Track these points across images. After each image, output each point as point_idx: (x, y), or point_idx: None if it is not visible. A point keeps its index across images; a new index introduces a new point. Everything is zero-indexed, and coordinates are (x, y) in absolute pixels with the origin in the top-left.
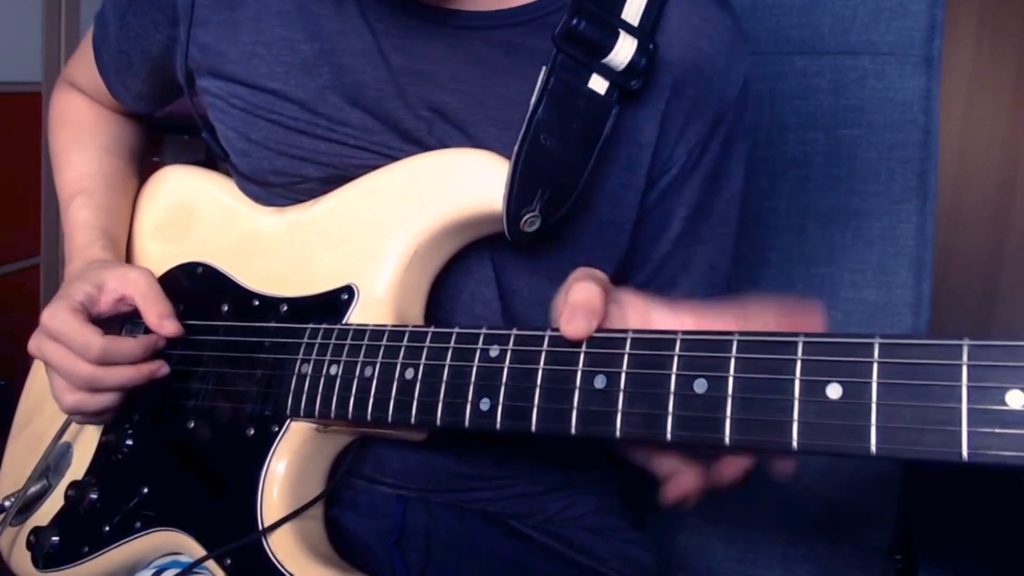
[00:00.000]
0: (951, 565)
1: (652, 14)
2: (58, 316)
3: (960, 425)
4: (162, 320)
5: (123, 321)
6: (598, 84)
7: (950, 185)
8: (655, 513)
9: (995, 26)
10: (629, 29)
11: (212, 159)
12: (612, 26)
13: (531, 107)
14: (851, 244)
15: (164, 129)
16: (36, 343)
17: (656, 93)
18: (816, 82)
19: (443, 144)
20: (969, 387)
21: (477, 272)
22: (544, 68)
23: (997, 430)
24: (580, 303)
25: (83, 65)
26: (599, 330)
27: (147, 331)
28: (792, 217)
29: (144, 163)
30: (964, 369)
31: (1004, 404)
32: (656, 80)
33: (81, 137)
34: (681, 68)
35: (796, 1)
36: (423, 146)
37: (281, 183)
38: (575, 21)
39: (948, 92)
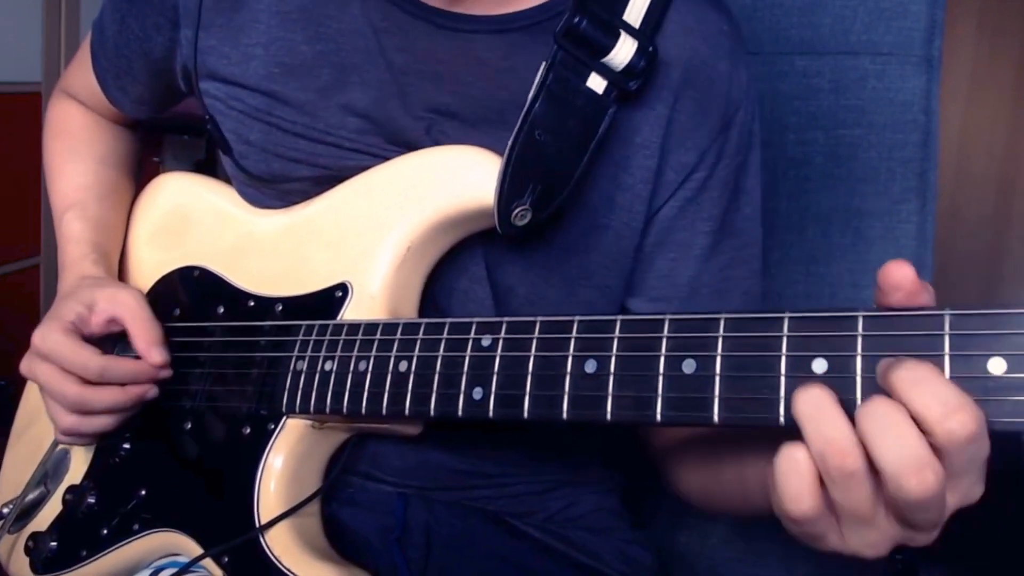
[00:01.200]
0: (951, 565)
1: (654, 17)
2: (51, 337)
3: None
4: (150, 347)
5: (114, 341)
6: (596, 83)
7: (950, 185)
8: (655, 513)
9: (995, 26)
10: (630, 30)
11: (212, 161)
12: (613, 26)
13: (528, 101)
14: (851, 244)
15: (164, 129)
16: (28, 364)
17: (655, 95)
18: (816, 82)
19: (439, 144)
20: (952, 356)
21: (470, 270)
22: (544, 64)
23: (980, 397)
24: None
25: (80, 73)
26: (589, 314)
27: None
28: (792, 217)
29: (143, 164)
30: (946, 339)
31: (986, 372)
32: (656, 82)
33: (76, 147)
34: (681, 70)
35: (796, 1)
36: (417, 149)
37: (276, 186)
38: (576, 19)
39: (948, 92)
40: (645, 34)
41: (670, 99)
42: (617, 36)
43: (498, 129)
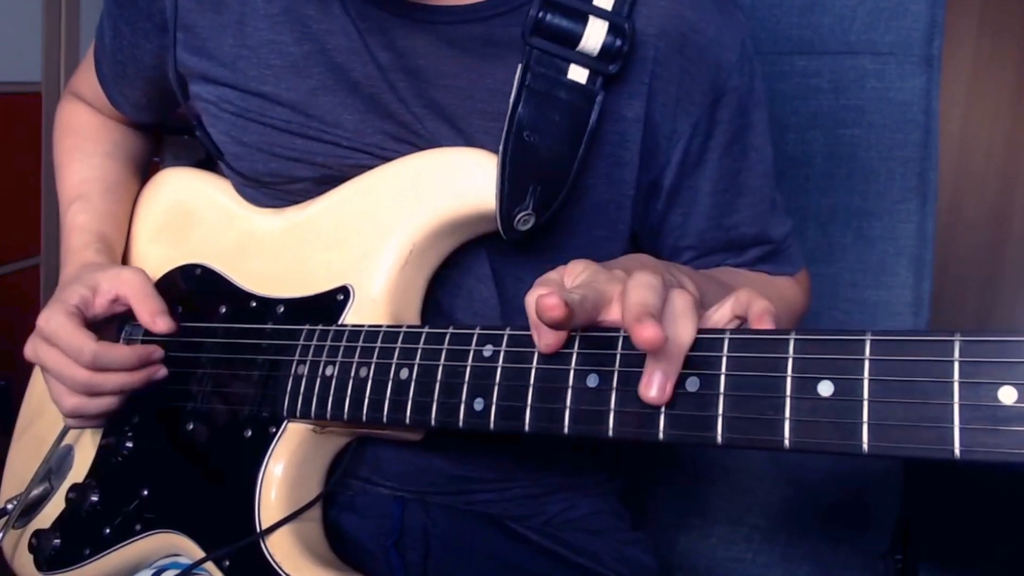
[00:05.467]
0: (951, 565)
1: None
2: (53, 319)
3: (952, 422)
4: (154, 317)
5: (122, 322)
6: (578, 74)
7: (950, 185)
8: (655, 513)
9: (995, 26)
10: (600, 13)
11: (212, 161)
12: (579, 12)
13: (510, 106)
14: (851, 244)
15: (164, 129)
16: (32, 347)
17: (642, 67)
18: (816, 82)
19: (434, 139)
20: (961, 383)
21: (475, 270)
22: (519, 66)
23: (989, 427)
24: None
25: (86, 76)
26: (592, 329)
27: (147, 333)
28: (792, 217)
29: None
30: (956, 365)
31: (996, 400)
32: (638, 55)
33: (83, 145)
34: (663, 39)
35: (796, 1)
36: (415, 144)
37: (275, 184)
38: (540, 14)
39: (948, 92)
40: (620, 13)
41: (656, 69)
42: (585, 21)
43: (489, 119)
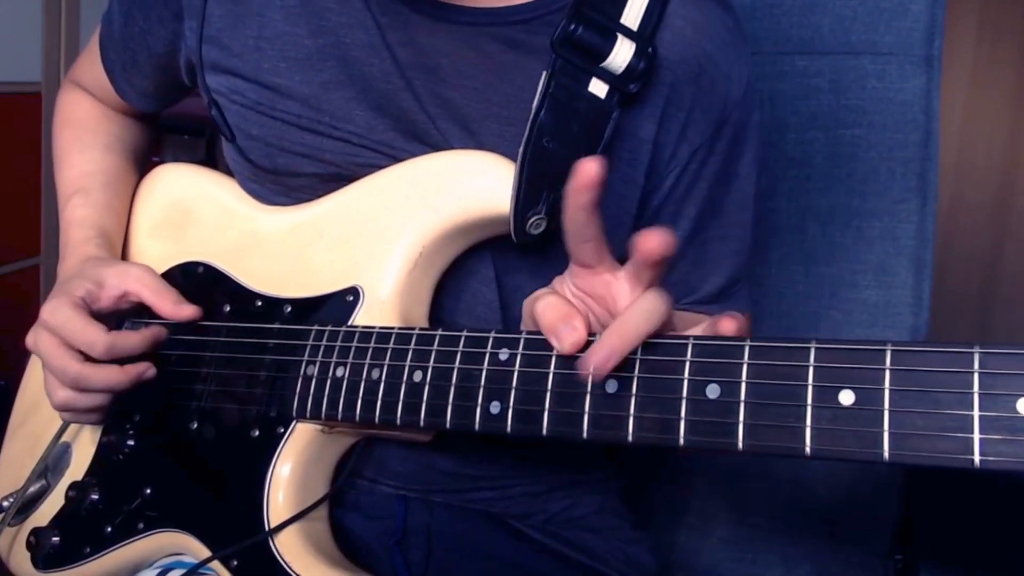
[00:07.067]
0: (951, 565)
1: (652, 17)
2: (60, 312)
3: (972, 432)
4: (178, 306)
5: (120, 319)
6: (598, 88)
7: (950, 185)
8: (655, 513)
9: (995, 26)
10: (627, 33)
11: (212, 161)
12: (610, 30)
13: (533, 111)
14: (851, 244)
15: (164, 129)
16: (33, 337)
17: (656, 91)
18: (816, 82)
19: (447, 140)
20: (980, 394)
21: (478, 272)
22: (545, 73)
23: (1008, 437)
24: (557, 318)
25: (89, 65)
26: None
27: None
28: (792, 217)
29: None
30: (975, 376)
31: (1015, 412)
32: (657, 79)
33: (83, 136)
34: (682, 66)
35: (796, 1)
36: (427, 144)
37: (281, 181)
38: (572, 26)
39: (948, 92)
40: (643, 36)
41: (671, 94)
42: (614, 39)
43: (504, 124)
